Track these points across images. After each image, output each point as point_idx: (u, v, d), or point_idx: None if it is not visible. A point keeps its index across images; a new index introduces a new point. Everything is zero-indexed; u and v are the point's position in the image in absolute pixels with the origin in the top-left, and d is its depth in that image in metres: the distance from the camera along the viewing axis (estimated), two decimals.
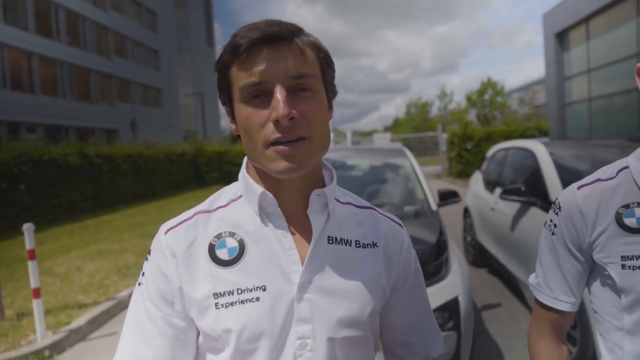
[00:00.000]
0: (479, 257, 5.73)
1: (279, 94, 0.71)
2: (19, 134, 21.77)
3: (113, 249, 7.55)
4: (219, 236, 0.81)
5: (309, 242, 0.81)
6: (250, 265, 0.78)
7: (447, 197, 3.93)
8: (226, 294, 0.76)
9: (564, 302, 1.01)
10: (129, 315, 0.82)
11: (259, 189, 0.80)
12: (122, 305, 4.99)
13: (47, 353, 3.80)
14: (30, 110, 23.27)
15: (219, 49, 0.79)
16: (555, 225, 1.00)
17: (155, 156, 16.61)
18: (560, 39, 18.90)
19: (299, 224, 0.82)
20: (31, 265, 3.90)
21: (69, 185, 11.62)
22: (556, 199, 1.02)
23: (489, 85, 41.45)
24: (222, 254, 0.79)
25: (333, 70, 0.83)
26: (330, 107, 0.83)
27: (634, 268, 0.88)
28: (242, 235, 0.80)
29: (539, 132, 16.59)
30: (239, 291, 0.76)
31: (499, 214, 4.76)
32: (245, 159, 0.87)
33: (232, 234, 0.81)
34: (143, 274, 0.83)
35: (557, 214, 1.00)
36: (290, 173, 0.74)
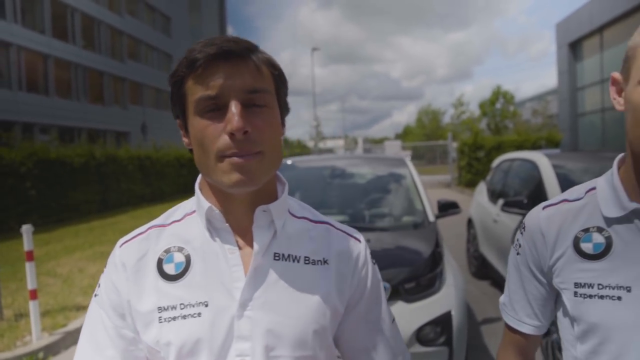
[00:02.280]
0: (481, 269, 5.64)
1: (234, 107, 0.72)
2: (33, 134, 22.12)
3: None
4: (167, 251, 0.82)
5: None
6: (195, 280, 0.79)
7: (447, 208, 3.86)
8: (170, 309, 0.77)
9: (527, 325, 0.96)
10: (85, 326, 0.83)
11: (206, 204, 0.81)
12: None
13: (41, 355, 3.80)
14: (44, 112, 23.63)
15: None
16: (520, 245, 0.96)
17: (164, 159, 16.74)
18: (574, 48, 18.71)
19: (248, 240, 0.82)
20: (29, 266, 3.92)
21: (77, 187, 11.76)
22: (523, 217, 0.98)
23: (499, 93, 41.16)
24: (169, 268, 0.80)
25: (286, 88, 0.84)
26: (282, 123, 0.84)
27: (584, 296, 0.83)
28: (189, 250, 0.81)
29: (550, 143, 16.38)
30: (182, 306, 0.77)
31: (501, 226, 4.69)
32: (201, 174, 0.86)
33: (180, 249, 0.82)
34: (99, 285, 0.84)
35: (522, 233, 0.96)
36: (242, 186, 0.74)
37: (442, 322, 2.68)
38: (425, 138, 47.64)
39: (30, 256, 3.91)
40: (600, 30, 16.58)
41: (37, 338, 3.91)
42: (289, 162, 4.58)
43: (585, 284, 0.83)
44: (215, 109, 0.73)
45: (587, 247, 0.85)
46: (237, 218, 0.81)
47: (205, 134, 0.73)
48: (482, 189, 6.24)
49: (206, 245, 0.81)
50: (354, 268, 0.87)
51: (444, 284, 2.89)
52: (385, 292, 0.94)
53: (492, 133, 34.19)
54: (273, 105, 0.78)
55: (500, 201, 4.90)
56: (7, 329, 4.23)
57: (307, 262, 0.83)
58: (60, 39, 25.17)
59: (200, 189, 0.85)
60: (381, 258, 3.00)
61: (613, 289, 0.80)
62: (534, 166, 4.29)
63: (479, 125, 39.43)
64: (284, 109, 0.84)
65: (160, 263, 0.81)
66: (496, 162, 6.17)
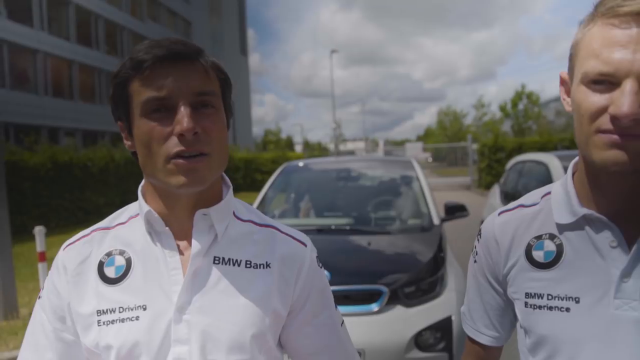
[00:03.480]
0: None
1: (184, 109, 0.72)
2: (58, 138, 22.74)
3: None
4: (109, 254, 0.82)
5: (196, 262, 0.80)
6: (134, 284, 0.79)
7: (454, 211, 3.80)
8: (108, 312, 0.77)
9: (485, 336, 0.93)
10: (28, 328, 0.85)
11: (145, 207, 0.81)
12: None
13: None
14: (69, 116, 24.28)
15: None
16: (476, 253, 0.93)
17: None
18: None
19: (189, 244, 0.81)
20: (41, 267, 4.02)
21: (96, 189, 12.01)
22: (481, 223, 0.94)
23: (523, 94, 40.37)
24: (110, 271, 0.81)
25: (231, 92, 0.85)
26: (228, 125, 0.84)
27: (534, 307, 0.79)
28: (130, 253, 0.82)
29: (574, 145, 15.97)
30: (121, 309, 0.77)
31: None
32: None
33: (121, 252, 0.82)
34: (42, 287, 0.86)
35: (478, 240, 0.93)
36: (189, 187, 0.74)
37: (442, 328, 2.63)
38: (447, 140, 47.10)
39: (42, 257, 4.01)
40: None
41: None
42: (300, 164, 4.59)
43: (535, 294, 0.80)
44: (162, 109, 0.73)
45: (538, 255, 0.81)
46: (180, 221, 0.81)
47: (152, 135, 0.73)
48: (495, 191, 6.13)
49: (147, 249, 0.81)
50: (297, 272, 0.86)
51: (445, 288, 2.83)
52: (332, 296, 0.93)
53: (514, 135, 33.58)
54: (220, 107, 0.79)
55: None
56: (22, 327, 4.34)
57: (248, 266, 0.82)
58: (85, 45, 25.85)
59: (143, 193, 0.85)
60: (380, 262, 2.99)
61: (562, 299, 0.77)
62: (545, 168, 4.19)
63: (503, 127, 38.78)
64: (229, 112, 0.84)
65: (101, 266, 0.81)
66: (510, 163, 6.06)
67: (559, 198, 0.82)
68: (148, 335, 0.75)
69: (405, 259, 3.01)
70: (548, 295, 0.78)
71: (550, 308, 0.77)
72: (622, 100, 0.64)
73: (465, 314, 0.98)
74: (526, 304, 0.81)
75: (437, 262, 2.94)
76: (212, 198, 0.83)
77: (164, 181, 0.75)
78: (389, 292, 2.66)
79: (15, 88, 21.37)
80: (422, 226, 3.46)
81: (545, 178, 4.08)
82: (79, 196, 11.41)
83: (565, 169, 3.36)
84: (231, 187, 0.88)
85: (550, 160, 4.16)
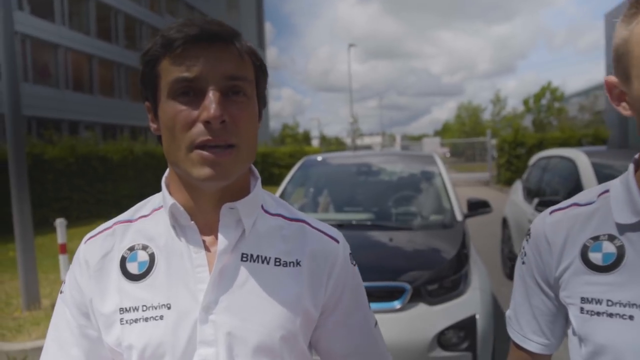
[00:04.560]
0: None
1: (212, 94, 0.67)
2: (78, 132, 23.11)
3: None
4: (131, 249, 0.78)
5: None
6: (158, 281, 0.75)
7: (477, 207, 3.70)
8: (131, 310, 0.73)
9: (533, 342, 0.86)
10: (51, 323, 0.81)
11: (170, 200, 0.76)
12: None
13: None
14: (89, 110, 24.64)
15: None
16: (525, 254, 0.86)
17: None
18: None
19: (215, 239, 0.77)
20: (62, 258, 4.06)
21: (117, 182, 12.16)
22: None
23: (548, 89, 39.60)
24: (132, 267, 0.76)
25: (266, 81, 0.79)
26: (260, 116, 0.78)
27: (592, 313, 0.73)
28: (154, 248, 0.77)
29: (597, 141, 15.59)
30: (144, 308, 0.73)
31: None
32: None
33: (144, 247, 0.77)
34: (64, 282, 0.82)
35: (527, 241, 0.86)
36: (213, 182, 0.70)
37: (466, 327, 2.56)
38: (465, 135, 46.53)
39: (63, 249, 4.05)
40: None
41: None
42: (319, 158, 4.54)
43: (593, 299, 0.74)
44: (190, 92, 0.68)
45: (596, 257, 0.75)
46: (205, 215, 0.77)
47: (177, 119, 0.68)
48: (517, 187, 5.99)
49: (171, 244, 0.76)
50: (330, 270, 0.81)
51: (469, 286, 2.76)
52: (365, 295, 0.88)
53: (535, 130, 32.98)
54: (252, 95, 0.74)
55: (536, 200, 4.67)
56: (44, 317, 4.40)
57: (277, 263, 0.77)
58: (104, 39, 26.15)
59: (167, 183, 0.80)
60: (403, 258, 2.93)
61: (624, 306, 0.70)
62: (572, 164, 4.06)
63: (523, 122, 38.14)
64: (262, 102, 0.78)
65: (123, 261, 0.77)
66: (533, 159, 5.91)
67: (619, 196, 0.75)
68: (173, 336, 0.71)
69: (428, 255, 2.95)
70: (608, 301, 0.72)
71: (611, 315, 0.71)
72: None
73: (512, 318, 0.91)
74: (582, 309, 0.75)
75: (461, 259, 2.87)
76: (240, 190, 0.78)
77: (187, 171, 0.70)
78: (411, 289, 2.60)
79: (37, 82, 21.75)
80: (444, 222, 3.39)
81: (572, 175, 3.95)
82: (100, 189, 11.57)
83: (594, 165, 3.23)
84: (259, 179, 0.82)
85: (578, 156, 4.02)
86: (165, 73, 0.70)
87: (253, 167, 0.82)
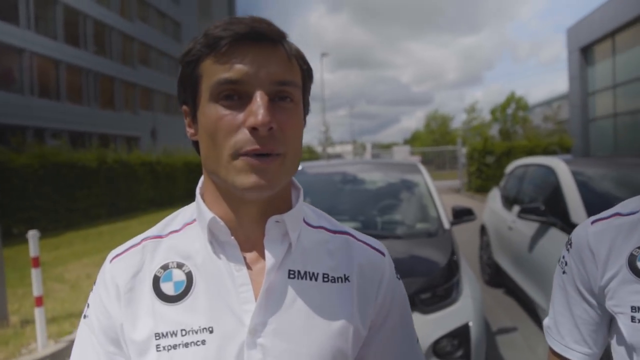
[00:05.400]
0: (495, 277, 5.51)
1: (260, 98, 0.62)
2: (44, 139, 22.32)
3: None
4: (165, 267, 0.71)
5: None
6: (198, 302, 0.68)
7: (462, 215, 3.75)
8: (169, 335, 0.67)
9: (575, 352, 0.87)
10: (75, 350, 0.73)
11: (209, 214, 0.70)
12: None
13: None
14: (55, 117, 23.84)
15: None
16: (566, 264, 0.87)
17: (174, 164, 16.79)
18: (585, 53, 18.50)
19: (257, 255, 0.71)
20: (35, 273, 3.86)
21: (86, 191, 11.78)
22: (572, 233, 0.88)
23: (513, 99, 40.87)
24: (168, 288, 0.70)
25: (311, 86, 0.74)
26: (304, 123, 0.74)
27: None
28: (191, 267, 0.70)
29: (561, 149, 16.17)
30: (183, 332, 0.67)
31: (517, 234, 4.56)
32: (203, 176, 0.76)
33: (180, 265, 0.71)
34: (88, 305, 0.74)
35: (568, 250, 0.87)
36: (258, 191, 0.64)
37: (460, 335, 2.57)
38: (434, 143, 47.41)
39: (36, 262, 3.85)
40: (612, 34, 16.37)
41: (42, 346, 3.85)
42: (299, 167, 4.50)
43: None
44: (235, 96, 0.63)
45: None
46: (246, 230, 0.71)
47: (220, 125, 0.63)
48: (495, 195, 6.11)
49: (209, 262, 0.70)
50: (378, 285, 0.77)
51: (461, 294, 2.77)
52: (410, 310, 0.84)
53: (501, 139, 33.89)
54: (299, 101, 0.69)
55: (516, 208, 4.77)
56: (13, 335, 4.17)
57: (325, 279, 0.73)
58: (72, 44, 25.44)
59: (202, 194, 0.74)
60: (395, 267, 2.91)
61: None
62: (551, 172, 4.17)
63: (490, 131, 39.15)
64: (307, 109, 0.74)
65: (157, 281, 0.70)
66: (510, 167, 6.04)
67: None
68: None
69: (420, 264, 2.95)
70: None
71: None
72: None
73: (551, 327, 0.91)
74: (633, 318, 0.75)
75: (452, 267, 2.88)
76: (283, 203, 0.73)
77: (229, 180, 0.64)
78: None
79: (0, 88, 20.92)
80: (432, 230, 3.41)
81: (552, 182, 4.05)
82: (69, 198, 11.16)
83: (574, 173, 3.32)
84: (301, 190, 0.77)
85: (557, 164, 4.13)
86: (208, 74, 0.64)
87: (294, 178, 0.77)
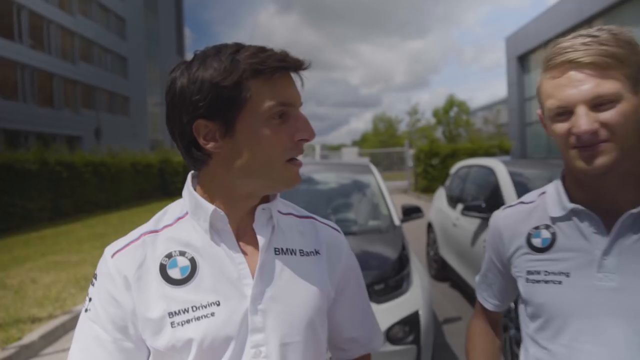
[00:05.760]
0: (441, 271, 5.85)
1: (302, 117, 0.83)
2: None
3: (72, 260, 7.29)
4: (169, 255, 0.83)
5: (257, 255, 0.85)
6: (203, 282, 0.81)
7: (411, 213, 4.02)
8: (181, 312, 0.78)
9: (489, 303, 1.18)
10: (76, 343, 0.82)
11: (210, 207, 0.83)
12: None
13: None
14: None
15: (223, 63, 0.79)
16: (486, 241, 1.15)
17: (120, 165, 16.21)
18: (522, 61, 19.70)
19: (247, 239, 0.87)
20: None
21: (26, 194, 11.18)
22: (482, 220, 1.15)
23: (453, 102, 42.68)
24: (174, 273, 0.81)
25: None
26: None
27: (533, 282, 0.98)
28: (192, 253, 0.83)
29: (501, 151, 17.17)
30: (194, 308, 0.79)
31: (461, 230, 4.89)
32: (191, 175, 0.89)
33: (182, 253, 0.83)
34: (90, 299, 0.83)
35: (488, 231, 1.14)
36: (295, 185, 0.85)
37: (410, 322, 2.79)
38: (381, 145, 48.61)
39: None
40: (546, 44, 17.57)
41: None
42: None
43: (534, 271, 0.98)
44: (281, 117, 0.79)
45: (537, 241, 1.00)
46: (238, 220, 0.86)
47: (276, 139, 0.79)
48: (441, 194, 6.47)
49: (209, 247, 0.83)
50: (340, 257, 0.97)
51: (411, 285, 3.00)
52: (362, 276, 1.06)
53: (446, 141, 35.36)
54: None
55: (460, 206, 5.11)
56: None
57: (302, 254, 0.90)
58: (6, 37, 23.92)
59: (200, 193, 0.86)
60: None
61: (556, 274, 0.95)
62: (491, 172, 4.53)
63: (435, 133, 40.70)
64: None
65: (163, 268, 0.81)
66: (454, 168, 6.42)
67: (552, 196, 1.01)
68: (225, 329, 0.79)
69: (374, 258, 3.15)
70: (545, 271, 0.96)
71: (547, 282, 0.96)
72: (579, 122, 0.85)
73: (477, 284, 1.22)
74: (527, 279, 1.00)
75: (403, 260, 3.11)
76: (264, 196, 0.90)
77: (280, 181, 0.82)
78: None
79: None
80: (384, 227, 3.63)
81: (492, 182, 4.40)
82: (7, 201, 10.56)
83: (510, 173, 3.73)
84: None
85: (496, 165, 4.49)
86: (260, 96, 0.77)
87: None
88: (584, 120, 0.84)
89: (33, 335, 4.16)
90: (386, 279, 2.92)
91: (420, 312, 2.84)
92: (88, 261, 7.15)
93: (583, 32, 0.88)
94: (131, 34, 37.82)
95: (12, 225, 10.70)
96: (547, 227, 0.99)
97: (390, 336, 2.74)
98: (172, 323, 0.78)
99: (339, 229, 1.02)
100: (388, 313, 2.78)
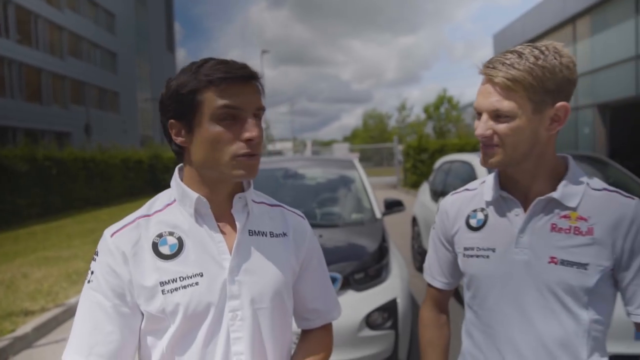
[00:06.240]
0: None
1: (251, 120, 0.95)
2: None
3: (63, 255, 7.38)
4: (160, 235, 0.99)
5: (234, 236, 1.02)
6: (189, 257, 0.97)
7: (392, 206, 4.19)
8: (170, 282, 0.94)
9: (438, 281, 1.32)
10: (80, 310, 0.96)
11: (194, 194, 1.00)
12: (72, 312, 4.92)
13: None
14: None
15: (184, 67, 0.98)
16: (435, 222, 1.30)
17: (110, 161, 16.20)
18: None
19: (225, 222, 1.04)
20: None
21: (16, 190, 11.19)
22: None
23: (444, 98, 42.92)
24: (165, 249, 0.97)
25: None
26: None
27: (468, 256, 1.17)
28: (180, 233, 0.99)
29: None
30: (181, 278, 0.95)
31: None
32: (178, 169, 1.06)
33: (171, 233, 0.99)
34: (92, 272, 0.98)
35: (437, 213, 1.30)
36: (246, 178, 0.98)
37: (389, 308, 2.96)
38: (372, 141, 48.84)
39: None
40: (531, 42, 17.80)
41: None
42: None
43: (469, 247, 1.17)
44: (228, 118, 0.93)
45: (473, 222, 1.18)
46: (218, 205, 1.02)
47: (222, 137, 0.93)
48: (425, 189, 6.65)
49: (194, 229, 1.00)
50: (304, 238, 1.14)
51: (390, 274, 3.17)
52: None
53: (436, 136, 35.60)
54: (262, 119, 1.02)
55: (441, 200, 5.28)
56: None
57: (272, 235, 1.07)
58: None
59: (185, 183, 1.02)
60: (333, 252, 3.26)
61: (485, 250, 1.14)
62: (469, 167, 4.71)
63: (425, 129, 40.93)
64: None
65: (155, 246, 0.97)
66: (438, 163, 6.61)
67: (489, 184, 1.19)
68: (208, 295, 0.95)
69: (354, 249, 3.31)
70: (477, 247, 1.15)
71: (478, 256, 1.15)
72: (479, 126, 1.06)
73: (426, 267, 1.35)
74: (464, 254, 1.19)
75: (382, 251, 3.27)
76: (239, 185, 1.07)
77: (226, 173, 0.95)
78: (341, 278, 2.94)
79: None
80: (366, 220, 3.79)
81: (470, 176, 4.58)
82: None
83: (488, 168, 3.93)
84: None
85: (474, 159, 4.68)
86: (211, 102, 0.92)
87: None
88: (481, 125, 1.05)
89: (26, 327, 4.28)
90: (366, 269, 3.08)
91: (398, 300, 3.00)
92: (79, 256, 7.24)
93: (519, 48, 1.04)
94: (121, 29, 37.54)
95: (1, 222, 10.73)
96: (482, 210, 1.17)
97: (370, 322, 2.90)
98: (163, 290, 0.93)
99: (303, 216, 1.19)
100: (367, 300, 2.95)
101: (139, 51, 41.88)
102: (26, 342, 4.16)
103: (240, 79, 0.93)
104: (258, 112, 0.97)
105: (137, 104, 40.71)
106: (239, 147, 0.94)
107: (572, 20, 15.43)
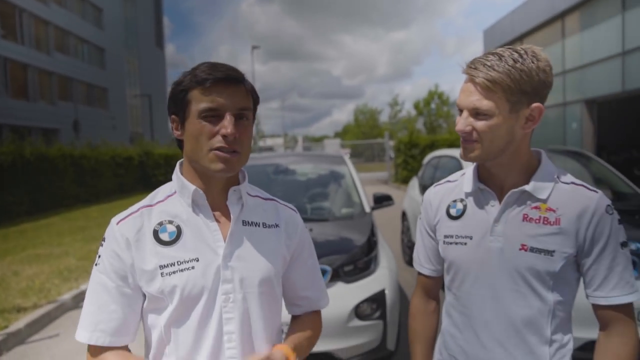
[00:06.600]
0: None
1: (229, 118, 1.02)
2: None
3: (54, 253, 7.37)
4: (160, 224, 1.08)
5: (229, 225, 1.10)
6: (187, 244, 1.06)
7: (382, 201, 4.27)
8: (169, 266, 1.03)
9: (425, 268, 1.40)
10: (89, 291, 1.07)
11: (192, 187, 1.09)
12: (65, 308, 4.95)
13: None
14: None
15: (181, 72, 1.08)
16: (421, 212, 1.39)
17: (99, 158, 16.10)
18: None
19: (221, 212, 1.12)
20: None
21: (3, 188, 11.11)
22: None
23: (435, 94, 43.16)
24: (164, 236, 1.07)
25: (257, 107, 1.16)
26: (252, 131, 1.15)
27: (448, 243, 1.27)
28: (178, 222, 1.09)
29: None
30: (179, 263, 1.04)
31: None
32: (179, 163, 1.15)
33: (170, 222, 1.09)
34: (99, 256, 1.07)
35: (422, 204, 1.38)
36: (223, 173, 1.04)
37: (377, 299, 3.04)
38: (363, 136, 48.98)
39: None
40: (520, 38, 18.00)
41: None
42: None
43: (449, 235, 1.26)
44: (214, 116, 1.01)
45: (453, 211, 1.27)
46: (214, 197, 1.11)
47: (203, 132, 1.01)
48: (414, 184, 6.75)
49: (191, 218, 1.09)
50: (295, 230, 1.22)
51: (379, 266, 3.25)
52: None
53: (427, 132, 35.83)
54: (251, 119, 1.09)
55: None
56: None
57: (264, 226, 1.16)
58: None
59: (183, 176, 1.11)
60: (323, 245, 3.34)
61: (463, 237, 1.23)
62: (456, 162, 4.81)
63: (416, 125, 41.15)
64: (254, 122, 1.15)
65: (156, 233, 1.06)
66: (427, 159, 6.71)
67: (468, 176, 1.27)
68: (203, 279, 1.03)
69: (344, 242, 3.39)
70: (456, 235, 1.24)
71: (457, 243, 1.24)
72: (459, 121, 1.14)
73: (415, 256, 1.44)
74: (444, 241, 1.27)
75: (371, 244, 3.35)
76: (236, 180, 1.15)
77: (206, 166, 1.03)
78: (331, 270, 3.02)
79: None
80: (355, 214, 3.87)
81: (458, 169, 4.67)
82: None
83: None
84: (246, 172, 1.19)
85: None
86: (196, 101, 1.02)
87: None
88: (461, 122, 1.14)
89: (19, 323, 4.30)
90: (355, 261, 3.16)
91: (387, 291, 3.08)
92: (70, 253, 7.24)
93: (500, 50, 1.12)
94: (108, 23, 37.15)
95: None
96: (461, 200, 1.26)
97: (359, 312, 2.98)
98: (162, 273, 1.02)
99: (295, 209, 1.27)
100: (356, 291, 3.03)
101: (128, 46, 41.46)
102: (19, 338, 4.19)
103: (223, 80, 1.01)
104: (240, 112, 1.04)
105: (126, 100, 40.35)
106: (215, 141, 1.01)
107: (561, 16, 15.60)
